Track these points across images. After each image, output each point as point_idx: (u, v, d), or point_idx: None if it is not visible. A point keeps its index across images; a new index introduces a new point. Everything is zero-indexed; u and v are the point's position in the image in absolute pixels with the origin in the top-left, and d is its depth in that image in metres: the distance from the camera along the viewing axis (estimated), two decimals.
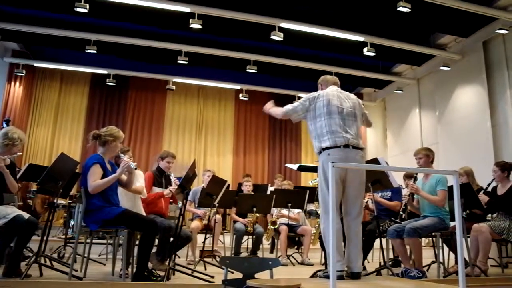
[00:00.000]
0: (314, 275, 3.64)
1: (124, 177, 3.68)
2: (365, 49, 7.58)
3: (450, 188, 4.06)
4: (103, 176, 3.49)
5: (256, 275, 2.66)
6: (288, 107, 3.54)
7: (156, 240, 4.14)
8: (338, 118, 3.35)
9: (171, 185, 4.53)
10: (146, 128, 10.40)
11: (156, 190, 4.60)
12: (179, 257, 5.27)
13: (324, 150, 3.32)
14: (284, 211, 5.92)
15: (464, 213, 4.34)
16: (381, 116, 11.01)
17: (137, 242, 3.75)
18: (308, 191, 5.79)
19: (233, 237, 5.76)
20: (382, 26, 7.63)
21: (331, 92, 3.50)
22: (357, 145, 3.35)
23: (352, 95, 3.60)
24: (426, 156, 4.34)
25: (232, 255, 5.49)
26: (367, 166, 3.38)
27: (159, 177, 4.73)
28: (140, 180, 4.36)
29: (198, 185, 7.02)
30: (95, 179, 3.42)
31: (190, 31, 7.33)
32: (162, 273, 3.59)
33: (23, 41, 8.74)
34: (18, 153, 3.77)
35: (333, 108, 3.38)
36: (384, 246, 4.36)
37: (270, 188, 7.41)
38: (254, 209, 5.41)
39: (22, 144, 3.79)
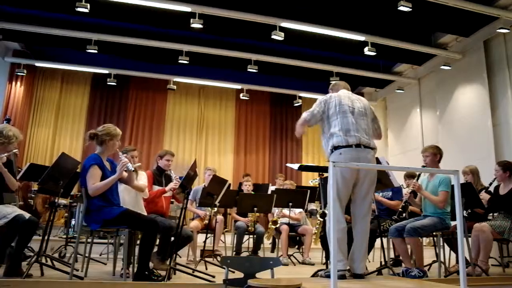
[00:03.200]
0: (315, 275, 3.64)
1: (124, 174, 3.66)
2: (366, 49, 7.58)
3: (452, 188, 4.06)
4: (102, 176, 3.49)
5: (257, 275, 2.66)
6: (305, 114, 3.55)
7: (157, 240, 4.14)
8: (350, 117, 3.40)
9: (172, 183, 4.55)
10: (147, 128, 10.41)
11: (157, 189, 4.60)
12: (180, 257, 5.27)
13: (336, 149, 3.34)
14: (285, 211, 5.92)
15: (465, 212, 4.33)
16: (382, 116, 10.98)
17: (138, 242, 3.75)
18: (309, 191, 5.80)
19: (234, 236, 5.76)
20: (383, 26, 7.62)
21: (342, 94, 3.58)
22: (368, 144, 3.37)
23: (363, 98, 3.68)
24: (433, 155, 4.32)
25: (233, 254, 5.49)
26: (368, 166, 3.37)
27: (159, 176, 4.74)
28: (143, 179, 4.37)
29: (199, 183, 7.02)
30: (94, 182, 3.41)
31: (191, 31, 7.33)
32: (163, 273, 3.59)
33: (24, 41, 8.75)
34: (14, 150, 3.77)
35: (344, 107, 3.43)
36: (385, 245, 4.36)
37: (271, 188, 7.41)
38: (255, 209, 5.41)
39: (17, 142, 3.79)
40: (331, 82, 9.00)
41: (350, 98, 3.53)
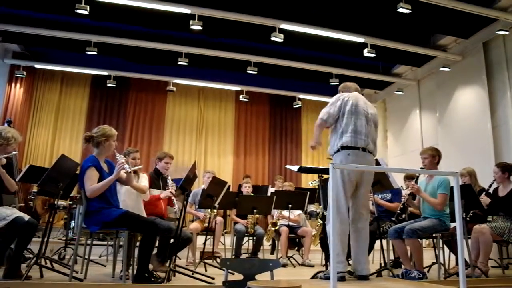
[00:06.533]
0: (314, 276, 3.64)
1: (123, 174, 3.65)
2: (365, 50, 7.58)
3: (451, 189, 4.06)
4: (100, 178, 3.48)
5: (257, 277, 2.65)
6: (322, 115, 3.54)
7: (157, 242, 4.14)
8: (364, 120, 3.46)
9: (168, 188, 4.54)
10: (147, 130, 10.40)
11: (154, 192, 4.60)
12: (180, 259, 5.27)
13: (344, 149, 3.38)
14: (285, 213, 5.92)
15: (465, 214, 4.34)
16: (382, 117, 10.97)
17: (137, 244, 3.75)
18: (308, 193, 5.79)
19: (234, 239, 5.76)
20: (382, 27, 7.63)
21: (359, 97, 3.63)
22: (372, 150, 3.48)
23: (373, 107, 3.74)
24: (432, 157, 4.34)
25: (233, 257, 5.49)
26: (367, 167, 3.38)
27: (156, 179, 4.73)
28: (144, 181, 4.37)
29: (198, 186, 7.02)
30: (92, 183, 3.41)
31: (191, 33, 7.33)
32: (162, 275, 3.59)
33: (23, 42, 8.74)
34: (14, 152, 3.77)
35: (360, 110, 3.50)
36: (385, 247, 4.36)
37: (271, 189, 7.41)
38: (255, 210, 5.41)
39: (16, 143, 3.78)
40: (330, 83, 9.01)
41: (365, 103, 3.60)
